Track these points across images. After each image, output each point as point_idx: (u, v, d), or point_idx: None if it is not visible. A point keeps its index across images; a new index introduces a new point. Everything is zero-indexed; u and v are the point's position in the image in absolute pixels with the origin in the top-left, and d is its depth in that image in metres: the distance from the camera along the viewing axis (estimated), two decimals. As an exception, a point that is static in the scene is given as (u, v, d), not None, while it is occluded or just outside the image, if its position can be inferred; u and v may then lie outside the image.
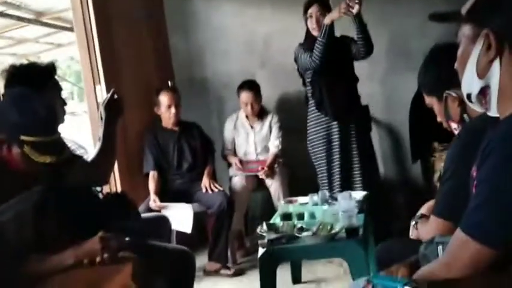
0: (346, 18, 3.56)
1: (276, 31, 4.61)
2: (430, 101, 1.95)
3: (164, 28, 4.67)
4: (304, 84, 3.93)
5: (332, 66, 3.63)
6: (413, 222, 2.01)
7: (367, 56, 3.72)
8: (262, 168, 4.07)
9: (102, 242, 1.81)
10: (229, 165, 4.38)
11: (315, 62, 3.60)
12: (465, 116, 1.80)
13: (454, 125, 1.87)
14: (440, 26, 3.80)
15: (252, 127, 4.32)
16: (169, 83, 4.36)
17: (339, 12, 3.47)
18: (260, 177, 4.10)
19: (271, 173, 4.08)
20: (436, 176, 3.68)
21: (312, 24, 3.71)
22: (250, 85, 4.25)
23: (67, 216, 2.04)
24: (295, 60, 3.83)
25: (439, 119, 1.96)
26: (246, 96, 4.22)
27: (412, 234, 2.03)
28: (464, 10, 1.19)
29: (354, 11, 3.46)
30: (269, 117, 4.34)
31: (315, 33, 3.69)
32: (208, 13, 4.70)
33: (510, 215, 1.03)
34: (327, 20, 3.54)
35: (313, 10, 3.69)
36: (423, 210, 2.08)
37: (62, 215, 2.02)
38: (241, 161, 4.23)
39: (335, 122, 3.72)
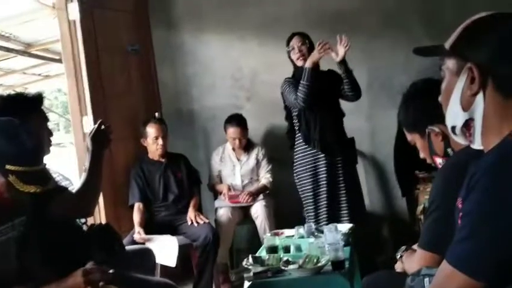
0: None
1: (263, 65, 4.67)
2: (412, 138, 1.97)
3: (152, 60, 4.71)
4: (286, 118, 3.97)
5: (319, 100, 3.66)
6: (398, 255, 2.01)
7: (355, 99, 3.80)
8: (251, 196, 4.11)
9: (85, 275, 1.79)
10: (216, 196, 4.38)
11: (300, 104, 3.67)
12: (449, 150, 1.81)
13: (439, 160, 1.89)
14: (423, 61, 3.87)
15: (238, 159, 4.36)
16: (156, 114, 4.38)
17: (318, 54, 3.56)
18: (242, 202, 4.11)
19: (251, 199, 4.12)
20: (419, 208, 3.70)
21: (295, 56, 3.79)
22: (238, 120, 4.30)
23: (50, 248, 2.02)
24: (282, 94, 3.87)
25: (422, 155, 1.97)
26: (233, 131, 4.27)
27: (398, 267, 2.03)
28: (448, 44, 1.22)
29: (339, 58, 3.56)
30: (256, 150, 4.39)
31: (299, 63, 3.76)
32: (195, 46, 4.75)
33: (496, 246, 1.04)
34: (308, 64, 3.61)
35: (294, 42, 3.80)
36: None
37: (46, 246, 2.00)
38: (228, 188, 4.24)
39: (322, 155, 3.73)
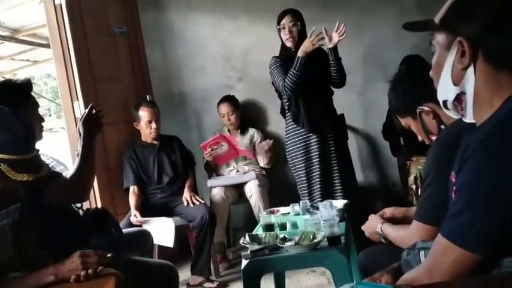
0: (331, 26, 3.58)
1: (253, 44, 4.63)
2: (406, 122, 2.00)
3: (141, 42, 4.67)
4: (279, 96, 3.94)
5: (308, 82, 3.62)
6: (378, 228, 2.05)
7: (339, 87, 3.79)
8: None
9: (82, 258, 1.79)
10: (210, 176, 4.40)
11: (287, 92, 3.65)
12: (442, 126, 1.83)
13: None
14: (414, 36, 3.86)
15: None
16: (148, 97, 4.35)
17: (311, 44, 3.50)
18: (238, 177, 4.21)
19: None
20: (411, 178, 3.75)
21: (284, 35, 3.70)
22: (228, 97, 4.44)
23: (47, 233, 2.02)
24: (270, 74, 3.83)
25: (420, 138, 2.00)
26: (223, 107, 4.41)
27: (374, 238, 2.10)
28: (437, 19, 1.21)
29: (331, 45, 3.54)
30: (251, 131, 4.48)
31: (288, 44, 3.71)
32: (184, 27, 4.70)
33: (490, 220, 1.05)
34: (300, 53, 3.55)
35: (285, 21, 3.68)
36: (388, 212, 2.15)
37: (42, 232, 2.00)
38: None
39: (312, 134, 3.73)
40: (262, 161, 4.32)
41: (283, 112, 3.94)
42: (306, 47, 3.54)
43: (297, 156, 3.78)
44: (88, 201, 3.41)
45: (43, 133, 2.34)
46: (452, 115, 1.30)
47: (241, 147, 4.36)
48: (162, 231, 3.56)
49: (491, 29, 1.12)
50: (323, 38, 3.51)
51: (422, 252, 1.39)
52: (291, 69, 3.56)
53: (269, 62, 3.81)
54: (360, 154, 4.64)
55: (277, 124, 4.60)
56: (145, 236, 2.81)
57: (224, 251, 4.17)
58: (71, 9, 3.75)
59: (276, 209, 3.18)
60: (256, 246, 2.50)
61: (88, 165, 2.34)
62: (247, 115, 4.57)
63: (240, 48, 4.68)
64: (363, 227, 2.19)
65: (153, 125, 3.96)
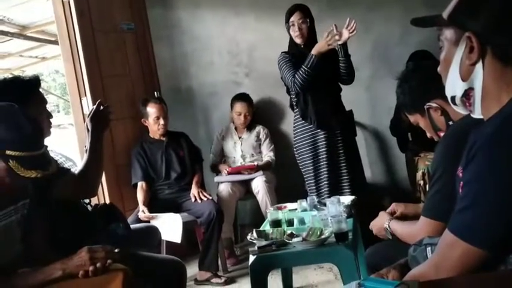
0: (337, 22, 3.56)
1: (260, 40, 4.62)
2: (415, 119, 2.01)
3: (148, 39, 4.67)
4: (288, 92, 3.93)
5: (317, 79, 3.61)
6: (386, 226, 2.05)
7: (348, 83, 3.78)
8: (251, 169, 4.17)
9: (90, 253, 1.80)
10: (217, 173, 4.41)
11: (296, 88, 3.63)
12: (450, 123, 1.83)
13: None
14: (421, 33, 3.86)
15: (239, 137, 4.42)
16: (156, 93, 4.36)
17: (326, 44, 3.48)
18: (246, 174, 4.17)
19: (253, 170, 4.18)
20: (419, 174, 3.75)
21: (294, 32, 3.70)
22: (245, 96, 4.42)
23: (55, 229, 2.04)
24: (279, 69, 3.82)
25: (429, 135, 2.00)
26: (240, 106, 4.37)
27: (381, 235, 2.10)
28: (445, 14, 1.21)
29: (341, 41, 3.50)
30: (257, 128, 4.46)
31: (297, 40, 3.70)
32: (191, 23, 4.70)
33: (497, 215, 1.04)
34: (314, 51, 3.53)
35: (294, 18, 3.68)
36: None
37: (50, 228, 2.01)
38: (230, 167, 4.29)
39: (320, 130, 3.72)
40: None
41: (292, 106, 3.94)
42: (320, 46, 3.52)
43: (304, 152, 3.78)
44: (96, 197, 3.43)
45: (51, 129, 2.35)
46: (461, 111, 1.30)
47: (246, 145, 4.39)
48: (170, 227, 3.57)
49: (499, 25, 1.11)
50: (339, 40, 3.49)
51: (429, 248, 1.39)
52: (303, 66, 3.55)
53: (276, 57, 3.81)
54: (367, 150, 4.63)
55: (284, 120, 4.60)
56: (153, 231, 2.82)
57: (231, 247, 4.17)
58: (78, 5, 3.77)
59: (283, 205, 3.18)
60: (263, 242, 2.51)
61: (96, 161, 2.35)
62: (254, 111, 4.57)
63: (247, 44, 4.68)
64: (371, 225, 2.19)
65: (161, 121, 3.98)
